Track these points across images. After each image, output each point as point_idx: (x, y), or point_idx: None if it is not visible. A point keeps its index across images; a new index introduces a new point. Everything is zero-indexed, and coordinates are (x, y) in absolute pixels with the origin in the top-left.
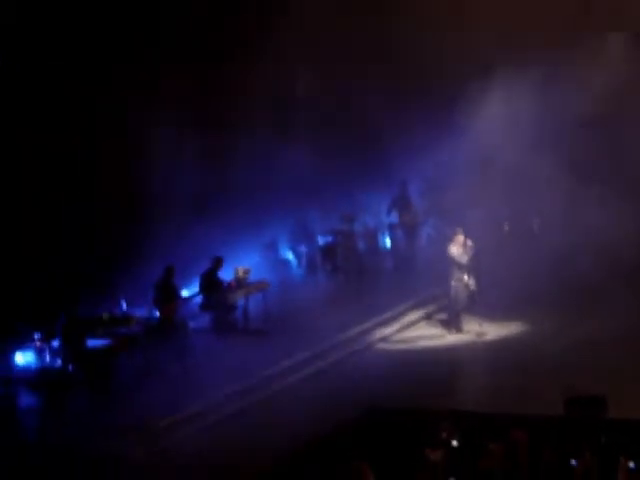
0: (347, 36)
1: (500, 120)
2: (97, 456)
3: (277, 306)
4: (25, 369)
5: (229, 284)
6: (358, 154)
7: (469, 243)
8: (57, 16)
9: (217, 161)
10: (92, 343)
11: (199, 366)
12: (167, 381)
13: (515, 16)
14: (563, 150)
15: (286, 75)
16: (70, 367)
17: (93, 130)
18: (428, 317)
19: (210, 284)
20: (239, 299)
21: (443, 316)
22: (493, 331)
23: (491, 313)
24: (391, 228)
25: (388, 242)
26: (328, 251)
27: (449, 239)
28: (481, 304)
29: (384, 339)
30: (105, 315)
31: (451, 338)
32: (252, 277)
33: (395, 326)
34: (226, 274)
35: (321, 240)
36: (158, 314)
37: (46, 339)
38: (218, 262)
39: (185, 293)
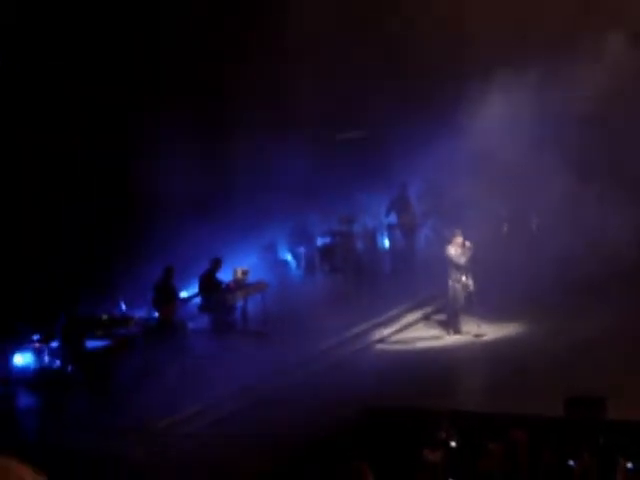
0: (347, 37)
1: (500, 120)
2: (96, 456)
3: (276, 307)
4: (24, 370)
5: (228, 285)
6: (357, 155)
7: (467, 244)
8: (57, 16)
9: (217, 162)
10: (91, 344)
11: (198, 367)
12: (166, 382)
13: (515, 15)
14: (562, 150)
15: (286, 76)
16: (69, 368)
17: (93, 130)
18: (427, 318)
19: (209, 285)
20: (238, 300)
21: (442, 317)
22: (492, 332)
23: (489, 314)
24: (390, 229)
25: (387, 243)
26: (327, 252)
27: (447, 240)
28: (479, 305)
29: (383, 340)
30: (104, 316)
31: (449, 339)
32: (251, 278)
33: (394, 327)
34: (225, 275)
35: (320, 241)
36: (157, 315)
37: (45, 340)
38: (217, 263)
39: (184, 294)
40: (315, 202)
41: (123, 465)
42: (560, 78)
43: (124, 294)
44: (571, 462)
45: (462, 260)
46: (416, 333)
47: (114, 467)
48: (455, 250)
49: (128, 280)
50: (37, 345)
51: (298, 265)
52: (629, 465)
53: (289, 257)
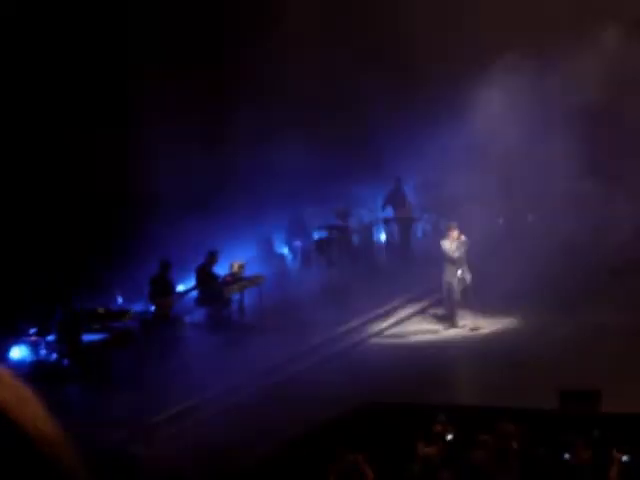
0: (346, 33)
1: (497, 114)
2: (92, 450)
3: (272, 300)
4: (20, 363)
5: (224, 278)
6: (354, 150)
7: (462, 238)
8: (57, 16)
9: (214, 157)
10: (88, 337)
11: (194, 360)
12: (162, 375)
13: (514, 4)
14: (561, 142)
15: (284, 72)
16: (65, 361)
17: (93, 130)
18: (423, 311)
19: (205, 278)
20: (234, 293)
21: (438, 311)
22: (487, 325)
23: (485, 308)
24: (386, 223)
25: (383, 237)
26: (323, 246)
27: (443, 233)
28: (475, 299)
29: (379, 333)
30: (101, 309)
31: (446, 332)
32: (247, 272)
33: (390, 320)
34: (222, 269)
35: (316, 235)
36: (154, 309)
37: (41, 333)
38: (212, 256)
39: (181, 288)
40: (312, 196)
41: (118, 459)
42: (560, 69)
43: (121, 288)
44: (566, 455)
45: (456, 254)
46: (412, 327)
47: (109, 461)
48: (450, 244)
49: (125, 274)
50: (33, 338)
51: (294, 259)
52: (624, 458)
53: (286, 251)
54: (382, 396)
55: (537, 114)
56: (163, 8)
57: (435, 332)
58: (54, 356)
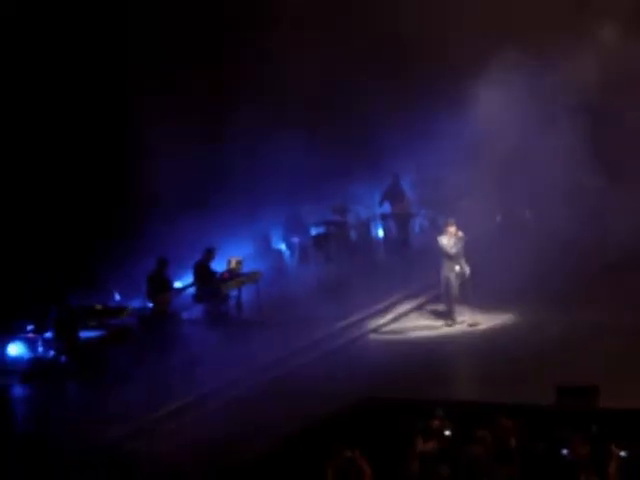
0: (346, 33)
1: (496, 113)
2: (89, 447)
3: (270, 296)
4: (17, 360)
5: (222, 275)
6: (352, 146)
7: (460, 234)
8: (57, 16)
9: (212, 154)
10: (85, 334)
11: (192, 356)
12: (160, 372)
13: (514, 4)
14: (559, 139)
15: (284, 70)
16: (63, 358)
17: (93, 130)
18: (421, 307)
19: (202, 275)
20: (232, 289)
21: (436, 306)
22: (486, 322)
23: (484, 304)
24: (383, 218)
25: (380, 233)
26: (321, 241)
27: (441, 229)
28: (474, 295)
29: (377, 329)
30: (98, 306)
31: (444, 328)
32: (245, 268)
33: (388, 316)
34: (219, 265)
35: (314, 231)
36: (151, 305)
37: (39, 330)
38: (209, 253)
39: (178, 284)
40: (309, 192)
41: (116, 455)
42: (557, 67)
43: (118, 285)
44: (564, 451)
45: (453, 250)
46: (410, 323)
47: (107, 457)
48: (447, 240)
49: (123, 271)
50: (31, 335)
51: (292, 255)
52: (622, 453)
53: (283, 247)
54: (380, 391)
55: (536, 113)
56: (163, 8)
57: (433, 328)
58: (52, 353)
